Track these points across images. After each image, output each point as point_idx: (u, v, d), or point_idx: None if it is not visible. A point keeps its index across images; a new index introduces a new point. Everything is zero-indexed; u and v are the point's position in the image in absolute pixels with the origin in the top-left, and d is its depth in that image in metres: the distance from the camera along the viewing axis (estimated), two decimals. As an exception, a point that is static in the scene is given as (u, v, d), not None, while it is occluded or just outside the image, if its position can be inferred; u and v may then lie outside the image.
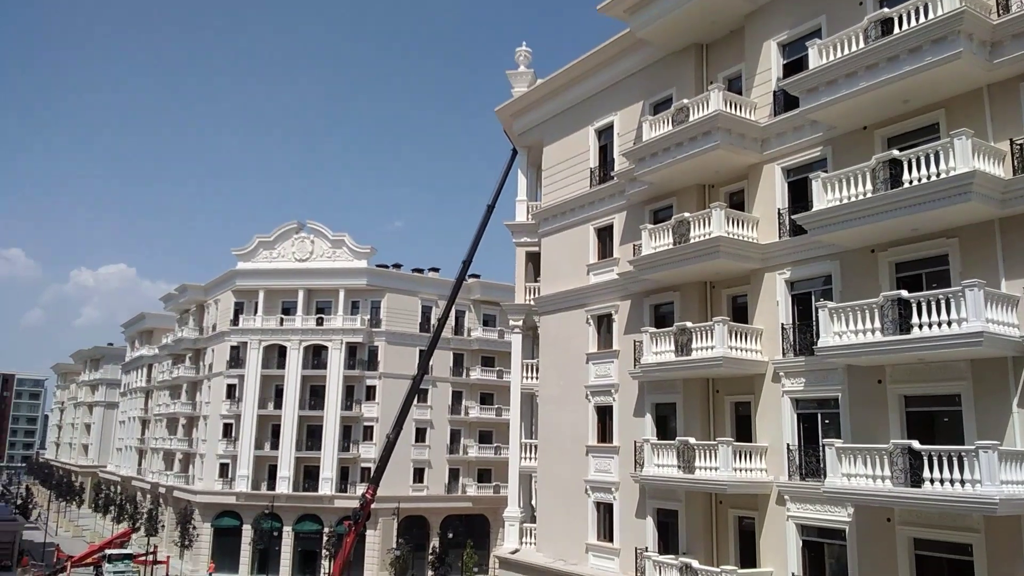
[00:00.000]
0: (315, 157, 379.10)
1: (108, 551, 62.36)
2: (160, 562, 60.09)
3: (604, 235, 28.31)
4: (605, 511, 26.31)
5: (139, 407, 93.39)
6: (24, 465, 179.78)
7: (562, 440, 28.33)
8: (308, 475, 62.74)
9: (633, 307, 26.25)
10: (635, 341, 25.41)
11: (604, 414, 27.05)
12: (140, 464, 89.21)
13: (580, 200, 29.05)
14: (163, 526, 68.92)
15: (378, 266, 67.02)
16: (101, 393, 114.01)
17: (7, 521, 66.95)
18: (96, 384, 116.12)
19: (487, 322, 69.21)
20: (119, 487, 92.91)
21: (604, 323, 27.75)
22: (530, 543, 29.75)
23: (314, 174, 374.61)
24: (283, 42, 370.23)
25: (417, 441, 63.48)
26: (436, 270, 69.44)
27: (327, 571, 51.43)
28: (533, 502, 31.15)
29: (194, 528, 61.80)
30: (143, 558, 60.44)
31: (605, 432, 26.92)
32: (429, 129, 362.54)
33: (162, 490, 74.58)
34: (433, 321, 62.66)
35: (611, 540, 25.74)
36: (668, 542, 23.77)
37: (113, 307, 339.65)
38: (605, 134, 28.88)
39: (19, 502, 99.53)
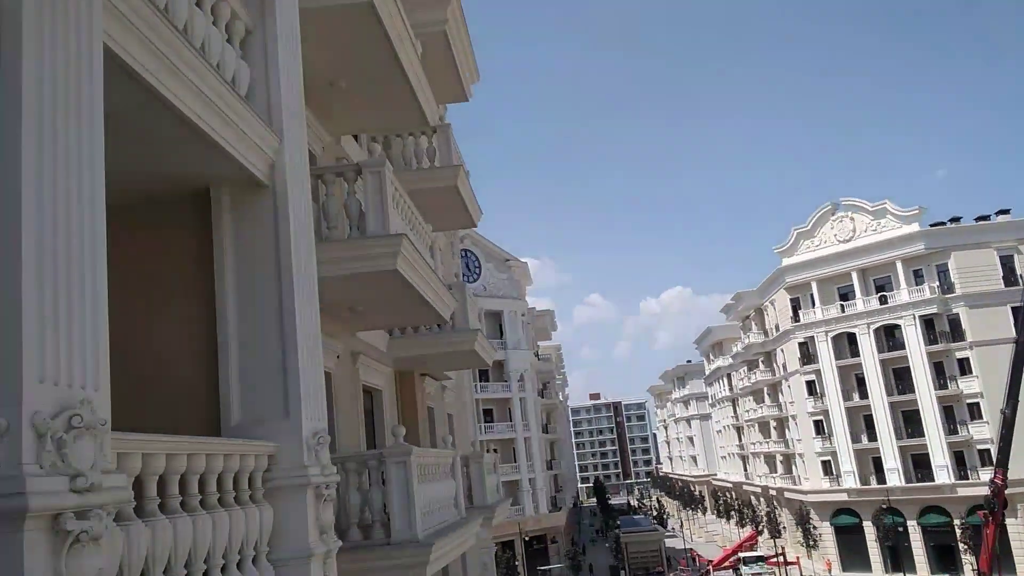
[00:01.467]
0: (826, 132, 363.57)
1: (741, 554, 66.92)
2: (791, 563, 61.91)
3: None
4: None
5: (729, 415, 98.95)
6: (648, 480, 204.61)
7: None
8: (917, 464, 58.47)
9: None
10: None
11: None
12: (745, 469, 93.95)
13: None
14: (784, 527, 71.18)
15: (932, 226, 60.22)
16: (693, 407, 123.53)
17: (651, 532, 76.77)
18: (687, 400, 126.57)
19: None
20: (732, 492, 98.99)
21: None
22: None
23: (827, 150, 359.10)
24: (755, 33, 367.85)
25: (1041, 411, 54.32)
26: (1006, 212, 59.35)
27: (973, 566, 46.80)
28: None
29: (814, 528, 62.46)
30: (774, 559, 63.16)
31: None
32: (944, 62, 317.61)
33: (772, 492, 77.33)
34: (1020, 271, 53.83)
35: None
36: None
37: (679, 327, 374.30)
38: None
39: (655, 514, 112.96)
